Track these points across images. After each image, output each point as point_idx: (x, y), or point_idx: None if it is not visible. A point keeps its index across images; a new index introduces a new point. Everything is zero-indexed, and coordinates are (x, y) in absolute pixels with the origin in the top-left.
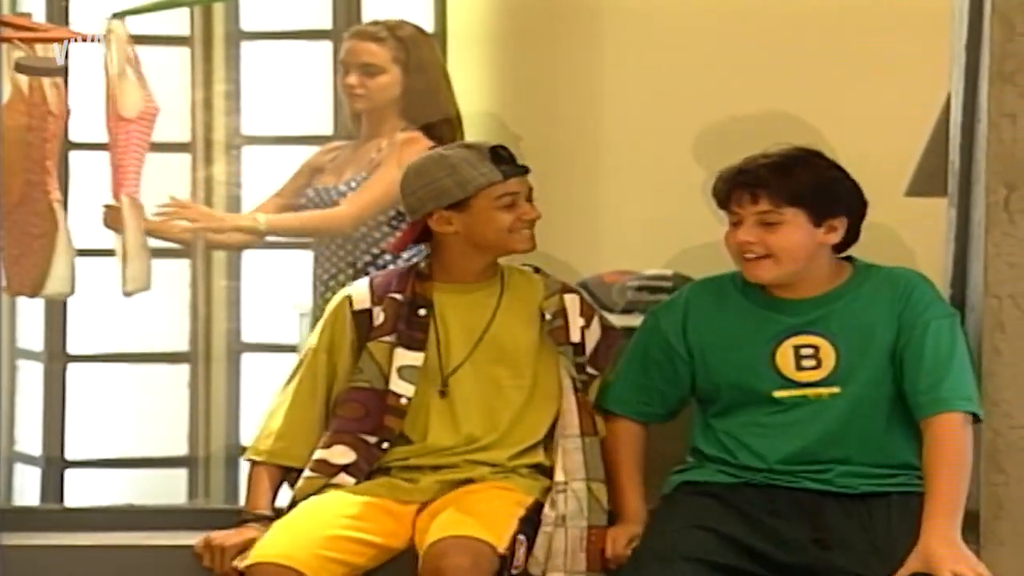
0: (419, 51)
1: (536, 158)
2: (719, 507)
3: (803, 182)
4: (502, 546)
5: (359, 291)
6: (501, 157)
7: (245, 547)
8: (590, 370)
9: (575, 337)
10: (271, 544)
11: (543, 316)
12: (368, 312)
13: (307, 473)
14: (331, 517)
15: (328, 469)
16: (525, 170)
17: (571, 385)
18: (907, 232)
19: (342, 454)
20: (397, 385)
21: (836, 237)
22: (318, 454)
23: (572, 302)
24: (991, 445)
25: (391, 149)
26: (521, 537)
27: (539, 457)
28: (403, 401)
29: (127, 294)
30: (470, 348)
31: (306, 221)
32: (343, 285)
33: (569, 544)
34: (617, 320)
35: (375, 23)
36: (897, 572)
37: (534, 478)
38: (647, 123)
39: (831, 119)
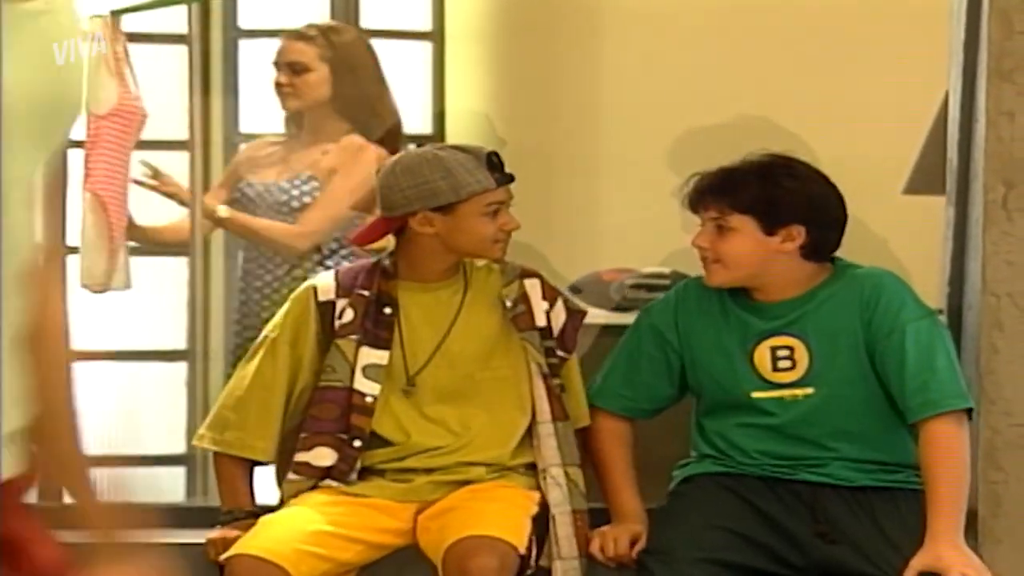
0: (349, 52)
1: (534, 157)
2: (726, 500)
3: (750, 192)
4: (523, 547)
5: (324, 282)
6: (494, 164)
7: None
8: (560, 353)
9: (540, 321)
10: (252, 538)
11: (504, 304)
12: (332, 304)
13: (291, 476)
14: (316, 513)
15: (312, 472)
16: (512, 178)
17: (539, 371)
18: (905, 230)
19: (324, 456)
20: (362, 384)
21: (794, 245)
22: (299, 456)
23: (533, 286)
24: (989, 443)
25: (342, 156)
26: (535, 537)
27: (531, 455)
28: (368, 400)
29: (83, 287)
30: (435, 346)
31: (264, 228)
32: (288, 287)
33: (562, 531)
34: (615, 318)
35: (309, 25)
36: (904, 573)
37: (530, 475)
38: (645, 122)
39: (829, 117)
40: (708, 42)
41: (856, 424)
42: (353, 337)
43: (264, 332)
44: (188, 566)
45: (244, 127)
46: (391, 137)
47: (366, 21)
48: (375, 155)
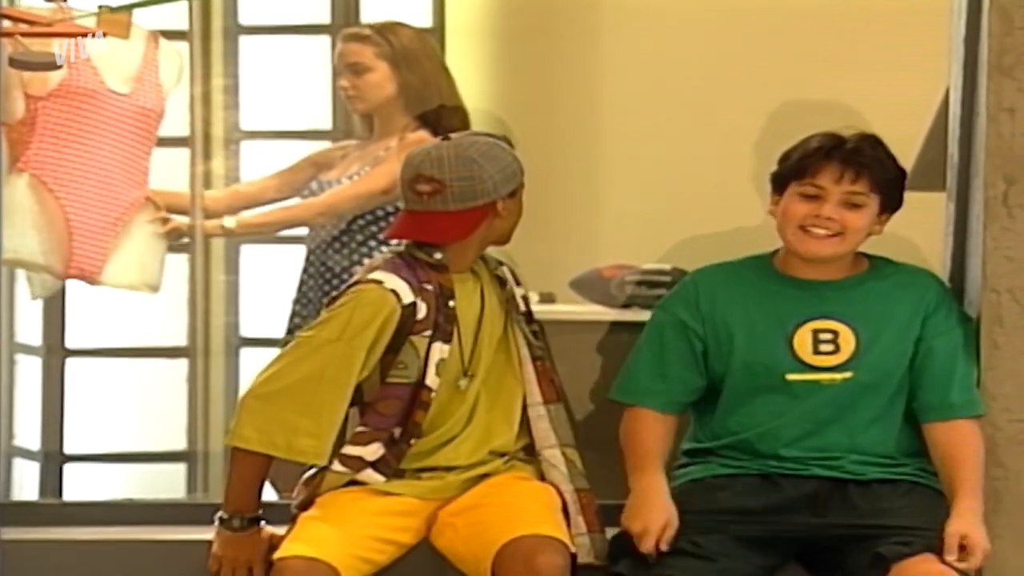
0: (407, 46)
1: (534, 153)
2: (719, 499)
3: (886, 172)
4: (571, 545)
5: (398, 284)
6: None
7: (266, 554)
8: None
9: (522, 306)
10: (303, 539)
11: (503, 288)
12: (413, 305)
13: (338, 467)
14: (359, 514)
15: (358, 464)
16: None
17: (529, 354)
18: (906, 226)
19: (374, 451)
20: (432, 380)
21: (881, 230)
22: (353, 450)
23: (509, 272)
24: (990, 439)
25: (399, 148)
26: (570, 531)
27: (527, 438)
28: (432, 395)
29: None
30: (475, 335)
31: (272, 215)
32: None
33: (569, 508)
34: (615, 315)
35: (365, 25)
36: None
37: (529, 461)
38: (645, 117)
39: (829, 113)
40: (707, 38)
41: (880, 413)
42: (427, 333)
43: (328, 334)
44: (188, 563)
45: (245, 124)
46: (458, 120)
47: (367, 17)
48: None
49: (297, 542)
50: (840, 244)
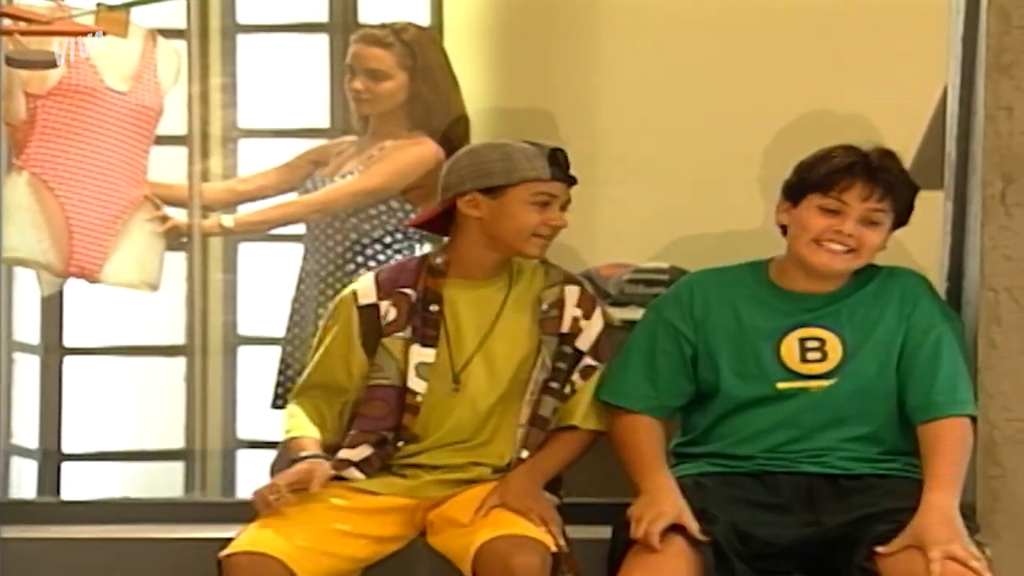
0: (426, 56)
1: None
2: (713, 492)
3: (906, 193)
4: (553, 545)
5: (363, 286)
6: (556, 159)
7: (304, 481)
8: (590, 361)
9: (565, 327)
10: (251, 535)
11: (541, 306)
12: (375, 307)
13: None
14: (320, 509)
15: (344, 466)
16: (573, 180)
17: (540, 376)
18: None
19: (363, 452)
20: (414, 383)
21: (885, 245)
22: (344, 454)
23: (571, 293)
24: (988, 438)
25: (392, 150)
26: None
27: (525, 453)
28: (418, 399)
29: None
30: (478, 345)
31: (268, 213)
32: (340, 281)
33: None
34: (613, 313)
35: (383, 26)
36: (891, 543)
37: None
38: (643, 116)
39: (827, 112)
40: (706, 37)
41: (869, 418)
42: (399, 335)
43: (319, 341)
44: (186, 561)
45: (242, 122)
46: (456, 129)
47: (365, 15)
48: (429, 150)
49: (245, 538)
50: (853, 260)
